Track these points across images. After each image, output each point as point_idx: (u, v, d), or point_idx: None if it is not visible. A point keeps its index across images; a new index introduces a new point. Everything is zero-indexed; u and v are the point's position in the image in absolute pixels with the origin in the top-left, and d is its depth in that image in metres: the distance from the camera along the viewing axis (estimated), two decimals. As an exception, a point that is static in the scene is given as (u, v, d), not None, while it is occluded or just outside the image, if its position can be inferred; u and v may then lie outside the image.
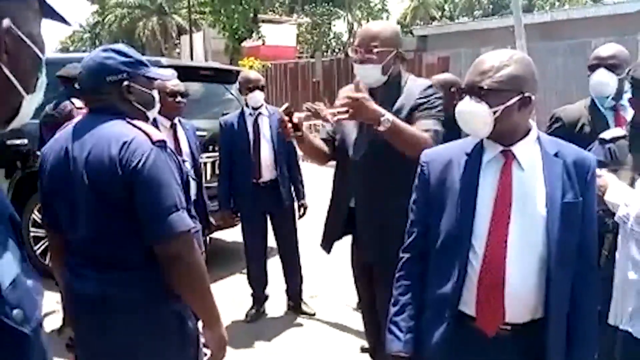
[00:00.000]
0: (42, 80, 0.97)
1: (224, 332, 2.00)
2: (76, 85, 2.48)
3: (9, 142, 5.28)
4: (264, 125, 4.46)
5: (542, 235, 1.71)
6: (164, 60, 5.44)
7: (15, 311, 0.90)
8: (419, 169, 1.92)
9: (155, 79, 2.10)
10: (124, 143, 1.85)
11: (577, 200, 1.74)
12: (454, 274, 1.75)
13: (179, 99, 3.83)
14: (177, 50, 33.62)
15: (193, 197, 3.89)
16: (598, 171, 1.99)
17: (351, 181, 2.82)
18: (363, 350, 3.81)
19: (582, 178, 1.76)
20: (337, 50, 23.34)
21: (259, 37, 23.24)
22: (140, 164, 1.82)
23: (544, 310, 1.73)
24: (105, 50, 2.03)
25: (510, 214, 1.71)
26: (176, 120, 3.91)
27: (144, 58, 2.10)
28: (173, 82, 3.83)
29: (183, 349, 2.01)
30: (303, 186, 4.69)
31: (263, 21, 24.15)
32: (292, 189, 4.62)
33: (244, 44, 23.46)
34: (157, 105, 2.15)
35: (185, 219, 1.87)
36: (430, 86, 2.68)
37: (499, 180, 1.75)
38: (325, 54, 22.61)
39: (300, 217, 4.69)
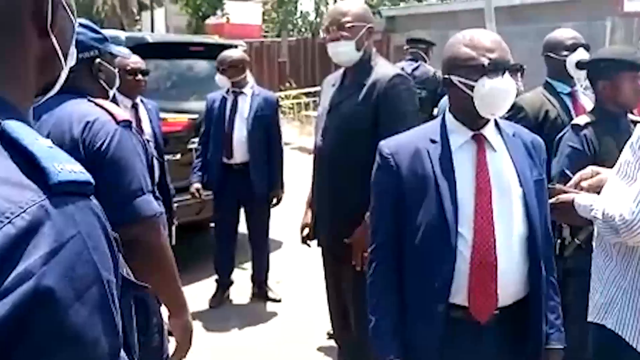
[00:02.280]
0: (73, 51, 0.94)
1: (189, 321, 1.92)
2: None
3: None
4: (242, 105, 4.28)
5: (522, 214, 1.72)
6: (148, 37, 5.19)
7: (124, 269, 0.92)
8: (381, 162, 1.79)
9: (117, 56, 2.02)
10: (87, 123, 1.76)
11: (542, 178, 1.79)
12: (443, 265, 1.68)
13: (139, 77, 3.66)
14: (138, 26, 32.71)
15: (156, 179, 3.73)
16: (596, 169, 2.02)
17: (314, 165, 2.87)
18: (330, 335, 3.74)
19: (540, 157, 1.81)
20: (303, 29, 23.03)
21: (223, 15, 22.75)
22: (104, 145, 1.74)
23: (527, 289, 1.74)
24: None
25: (492, 196, 1.70)
26: (138, 100, 3.73)
27: (106, 33, 2.03)
28: (133, 59, 3.66)
29: (147, 336, 1.92)
30: (281, 175, 4.44)
31: (228, -2, 23.63)
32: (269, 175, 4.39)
33: (207, 21, 22.95)
34: (117, 83, 2.07)
35: (152, 203, 1.80)
36: (397, 75, 2.62)
37: (476, 165, 1.72)
38: (291, 33, 22.26)
39: (273, 206, 4.49)
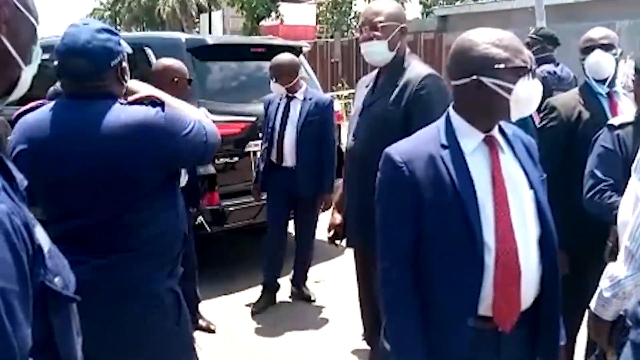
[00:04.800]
0: (37, 51, 0.94)
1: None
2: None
3: None
4: (294, 110, 4.31)
5: (535, 216, 1.68)
6: (209, 39, 5.24)
7: (56, 279, 0.93)
8: (392, 171, 1.68)
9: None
10: (143, 125, 1.84)
11: (544, 176, 1.76)
12: (471, 276, 1.60)
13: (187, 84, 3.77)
14: (197, 29, 33.51)
15: (185, 176, 3.82)
16: None
17: (345, 166, 2.86)
18: (364, 337, 3.75)
19: (537, 155, 1.79)
20: (358, 30, 23.05)
21: (277, 16, 23.04)
22: (168, 130, 1.86)
23: (540, 289, 1.69)
24: (99, 31, 1.87)
25: (508, 201, 1.65)
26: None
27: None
28: (181, 65, 3.78)
29: (180, 324, 2.03)
30: (331, 178, 4.37)
31: (282, 0, 23.89)
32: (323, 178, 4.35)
33: (262, 23, 23.28)
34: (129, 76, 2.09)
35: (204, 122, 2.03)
36: (429, 75, 2.60)
37: (491, 169, 1.65)
38: (345, 33, 22.33)
39: (323, 211, 4.45)
